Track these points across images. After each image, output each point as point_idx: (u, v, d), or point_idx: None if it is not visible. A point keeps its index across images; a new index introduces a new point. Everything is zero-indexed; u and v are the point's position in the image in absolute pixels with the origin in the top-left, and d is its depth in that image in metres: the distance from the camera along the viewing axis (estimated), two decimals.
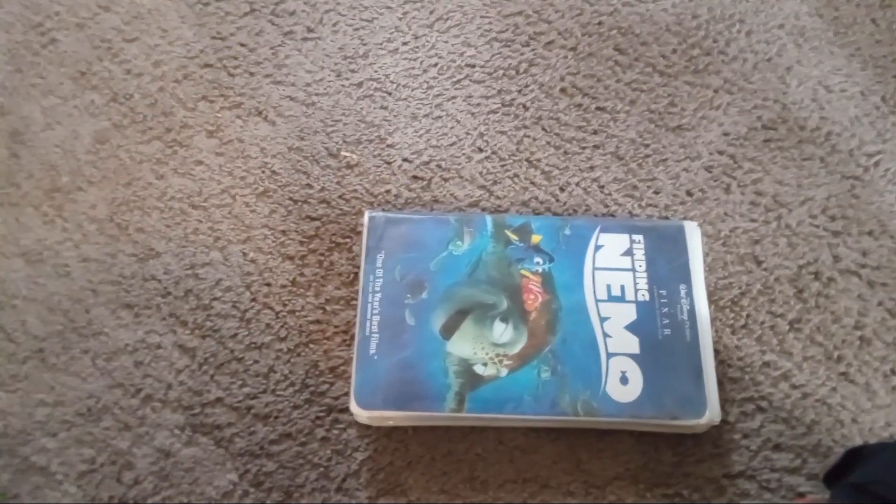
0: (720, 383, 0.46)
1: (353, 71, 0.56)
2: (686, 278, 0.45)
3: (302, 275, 0.49)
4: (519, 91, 0.56)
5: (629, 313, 0.44)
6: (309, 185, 0.52)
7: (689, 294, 0.45)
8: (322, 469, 0.43)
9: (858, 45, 0.58)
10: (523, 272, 0.45)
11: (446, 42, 0.58)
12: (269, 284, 0.48)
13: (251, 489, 0.43)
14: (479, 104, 0.55)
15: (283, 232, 0.50)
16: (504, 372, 0.42)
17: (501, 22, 0.58)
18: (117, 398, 0.45)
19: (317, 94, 0.55)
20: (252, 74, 0.56)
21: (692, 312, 0.44)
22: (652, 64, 0.57)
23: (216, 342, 0.46)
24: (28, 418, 0.44)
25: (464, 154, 0.53)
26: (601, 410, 0.41)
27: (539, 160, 0.53)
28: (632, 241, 0.47)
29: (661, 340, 0.43)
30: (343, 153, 0.53)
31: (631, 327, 0.44)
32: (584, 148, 0.54)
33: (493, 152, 0.53)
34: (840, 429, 0.45)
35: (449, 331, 0.43)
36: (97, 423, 0.44)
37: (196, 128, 0.54)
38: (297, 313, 0.47)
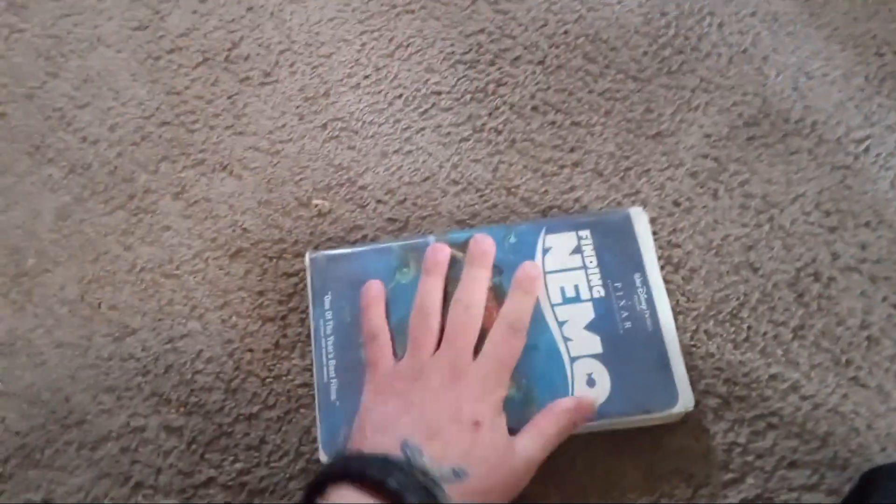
0: (726, 402, 0.45)
1: (315, 112, 0.54)
2: (640, 267, 0.44)
3: (285, 336, 0.47)
4: (489, 114, 0.54)
5: (587, 312, 0.43)
6: (282, 240, 0.50)
7: (645, 282, 0.44)
8: None
9: (835, 24, 0.56)
10: None
11: (409, 70, 0.55)
12: (251, 350, 0.47)
13: None
14: (449, 133, 0.53)
15: (261, 293, 0.48)
16: None
17: (464, 42, 0.56)
18: (107, 489, 0.43)
19: (281, 142, 0.53)
20: (212, 128, 0.54)
21: (650, 301, 0.43)
22: (624, 70, 0.55)
23: (202, 418, 0.45)
24: None
25: (439, 189, 0.51)
26: None
27: (517, 186, 0.51)
28: (579, 238, 0.45)
29: (623, 335, 0.42)
30: (314, 201, 0.51)
31: (590, 326, 0.42)
32: (562, 168, 0.52)
33: (469, 183, 0.51)
34: (856, 437, 0.44)
35: None
36: None
37: (160, 191, 0.52)
38: (284, 378, 0.46)
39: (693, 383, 0.45)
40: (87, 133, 0.54)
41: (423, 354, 0.40)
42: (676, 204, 0.50)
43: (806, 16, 0.57)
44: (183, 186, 0.52)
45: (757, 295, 0.47)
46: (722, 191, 0.51)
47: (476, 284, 0.42)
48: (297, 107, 0.54)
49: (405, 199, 0.51)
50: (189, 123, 0.54)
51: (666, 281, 0.48)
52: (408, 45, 0.56)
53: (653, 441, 0.44)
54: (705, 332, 0.46)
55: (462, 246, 0.44)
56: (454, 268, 0.44)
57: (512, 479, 0.37)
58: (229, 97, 0.55)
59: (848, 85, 0.54)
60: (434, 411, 0.37)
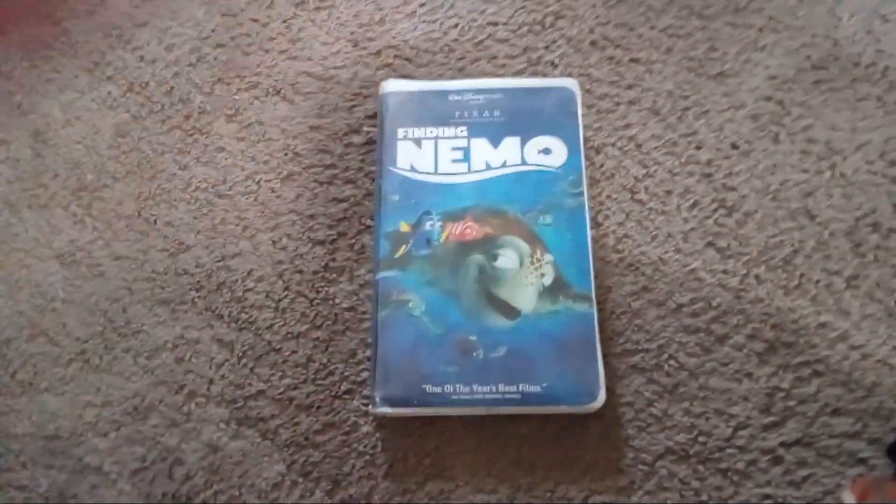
0: (772, 347, 0.44)
1: (370, 39, 0.54)
2: None
3: (333, 260, 0.48)
4: (546, 48, 0.53)
5: None
6: (334, 165, 0.50)
7: None
8: (368, 457, 0.43)
9: None
10: None
11: (465, 0, 0.54)
12: (300, 272, 0.48)
13: (300, 479, 0.43)
14: (504, 65, 0.52)
15: (312, 216, 0.49)
16: None
17: None
18: (162, 395, 0.45)
19: (334, 68, 0.53)
20: (267, 52, 0.54)
21: None
22: (688, 6, 0.53)
23: (253, 334, 0.46)
24: (78, 420, 0.45)
25: None
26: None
27: None
28: None
29: None
30: (366, 129, 0.51)
31: None
32: (618, 105, 0.51)
33: None
34: None
35: None
36: (145, 422, 0.45)
37: (215, 113, 0.52)
38: (331, 301, 0.47)
39: (739, 328, 0.45)
40: (145, 52, 0.54)
41: None
42: (734, 146, 0.49)
43: None
44: (237, 109, 0.52)
45: (812, 242, 0.46)
46: (783, 135, 0.49)
47: None
48: (352, 33, 0.54)
49: None
50: (244, 46, 0.54)
51: (718, 224, 0.47)
52: None
53: (695, 381, 0.44)
54: (756, 276, 0.46)
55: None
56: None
57: None
58: (284, 21, 0.54)
59: None
60: None
